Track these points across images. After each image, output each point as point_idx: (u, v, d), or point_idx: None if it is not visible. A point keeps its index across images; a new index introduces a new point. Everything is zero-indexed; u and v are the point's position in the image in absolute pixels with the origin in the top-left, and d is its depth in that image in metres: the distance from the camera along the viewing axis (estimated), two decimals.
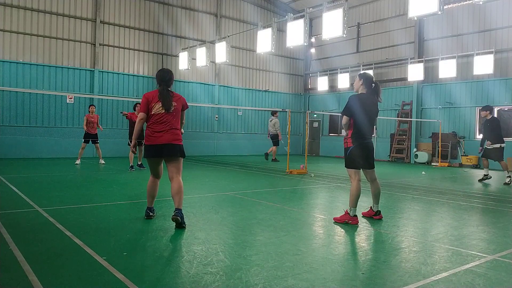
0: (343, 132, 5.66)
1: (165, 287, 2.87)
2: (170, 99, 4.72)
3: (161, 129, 4.68)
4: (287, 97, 22.58)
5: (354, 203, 5.09)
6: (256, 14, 20.76)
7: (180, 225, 4.54)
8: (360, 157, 5.15)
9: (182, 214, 4.60)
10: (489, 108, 10.01)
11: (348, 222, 5.06)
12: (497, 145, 9.83)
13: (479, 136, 16.39)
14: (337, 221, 5.13)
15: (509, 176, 10.04)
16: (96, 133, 12.63)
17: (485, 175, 10.43)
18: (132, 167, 10.94)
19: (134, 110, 11.43)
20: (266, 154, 15.83)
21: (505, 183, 10.01)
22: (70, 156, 15.10)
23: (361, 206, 5.78)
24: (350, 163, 5.17)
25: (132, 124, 11.12)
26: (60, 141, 15.17)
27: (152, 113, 4.70)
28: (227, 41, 13.73)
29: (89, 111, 12.58)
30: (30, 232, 4.31)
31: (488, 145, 9.97)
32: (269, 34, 11.77)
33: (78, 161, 12.45)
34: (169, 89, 4.80)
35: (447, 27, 17.10)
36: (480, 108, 11.73)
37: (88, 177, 9.40)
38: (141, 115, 4.77)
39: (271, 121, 15.66)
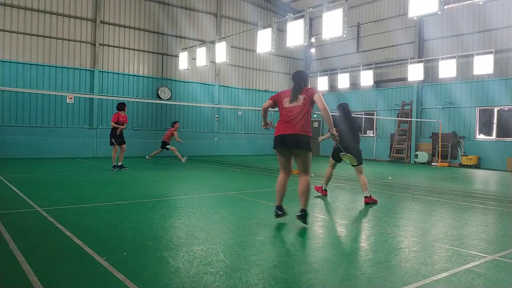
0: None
1: (165, 287, 2.87)
2: (297, 93, 4.83)
3: (287, 120, 4.77)
4: None
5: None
6: (256, 14, 20.75)
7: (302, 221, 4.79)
8: None
9: (306, 213, 4.80)
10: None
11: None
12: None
13: (479, 136, 16.41)
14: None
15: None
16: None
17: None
18: (114, 166, 10.84)
19: (119, 110, 11.03)
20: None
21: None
22: (70, 156, 15.10)
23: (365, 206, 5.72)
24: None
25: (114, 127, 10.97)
26: (60, 141, 15.17)
27: (282, 107, 4.87)
28: (227, 41, 13.73)
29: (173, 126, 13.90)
30: (30, 232, 4.31)
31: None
32: (269, 34, 11.76)
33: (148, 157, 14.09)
34: (303, 86, 4.91)
35: (447, 27, 17.10)
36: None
37: (88, 177, 9.39)
38: (267, 102, 5.02)
39: None
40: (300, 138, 4.72)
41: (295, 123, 4.73)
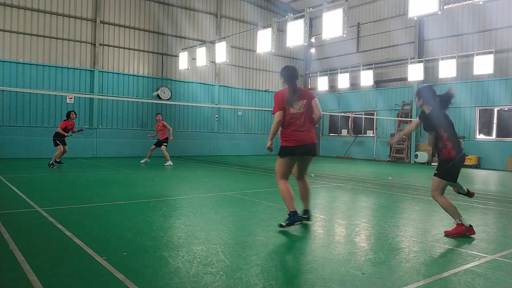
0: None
1: (165, 287, 2.87)
2: (296, 95, 4.60)
3: (300, 128, 4.59)
4: None
5: (457, 214, 4.59)
6: (256, 14, 20.75)
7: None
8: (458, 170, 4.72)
9: (310, 213, 5.01)
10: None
11: (465, 233, 4.52)
12: None
13: (479, 136, 16.40)
14: (450, 234, 4.56)
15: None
16: (165, 138, 13.33)
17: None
18: (53, 164, 11.30)
19: (68, 118, 11.61)
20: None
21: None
22: (70, 156, 15.09)
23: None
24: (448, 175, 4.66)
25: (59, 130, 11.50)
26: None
27: (289, 112, 4.56)
28: (227, 41, 13.72)
29: (156, 120, 13.65)
30: (30, 232, 4.31)
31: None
32: (269, 34, 11.76)
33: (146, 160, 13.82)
34: (297, 86, 4.70)
35: (447, 27, 17.10)
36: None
37: (88, 177, 9.39)
38: (279, 115, 4.54)
39: None
40: (315, 146, 4.79)
41: (309, 131, 4.64)
